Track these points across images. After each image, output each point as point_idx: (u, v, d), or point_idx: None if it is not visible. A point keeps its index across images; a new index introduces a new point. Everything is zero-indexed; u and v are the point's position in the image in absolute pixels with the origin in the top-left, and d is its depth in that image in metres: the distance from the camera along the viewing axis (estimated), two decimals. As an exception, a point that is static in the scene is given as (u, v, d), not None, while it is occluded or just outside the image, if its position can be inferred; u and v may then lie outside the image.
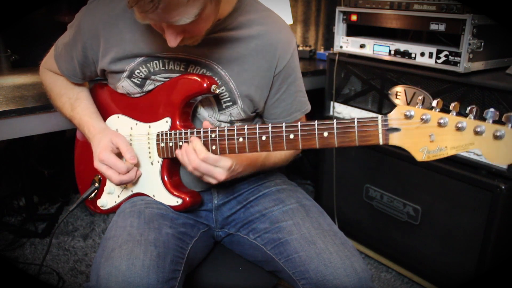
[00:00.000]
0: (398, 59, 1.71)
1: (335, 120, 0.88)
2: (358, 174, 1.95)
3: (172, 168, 1.14)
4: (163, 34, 0.95)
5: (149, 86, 1.13)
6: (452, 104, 0.79)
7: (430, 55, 1.60)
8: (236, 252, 1.24)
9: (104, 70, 1.15)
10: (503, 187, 1.45)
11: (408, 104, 1.71)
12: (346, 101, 1.97)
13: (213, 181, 1.02)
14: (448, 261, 1.68)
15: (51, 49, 1.27)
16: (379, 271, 1.98)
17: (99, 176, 1.26)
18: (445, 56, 1.56)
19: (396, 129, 0.82)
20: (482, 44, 1.51)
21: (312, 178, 2.70)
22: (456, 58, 1.52)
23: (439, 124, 0.78)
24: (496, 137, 0.73)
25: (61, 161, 2.41)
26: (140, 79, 1.12)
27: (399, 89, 1.74)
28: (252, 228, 1.17)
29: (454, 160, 1.60)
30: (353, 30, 1.91)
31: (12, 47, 2.08)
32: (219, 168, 1.00)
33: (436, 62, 1.59)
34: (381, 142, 0.84)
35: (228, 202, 1.22)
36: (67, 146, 1.43)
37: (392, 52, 1.73)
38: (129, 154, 1.11)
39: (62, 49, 1.21)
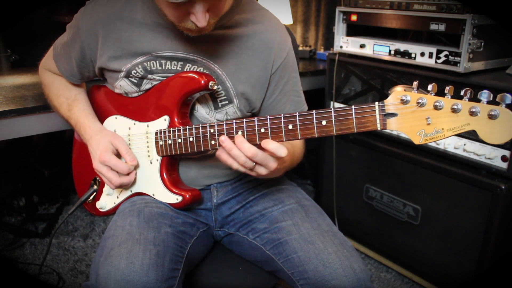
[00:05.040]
0: (398, 59, 1.71)
1: (332, 108, 0.88)
2: (358, 174, 1.95)
3: (171, 166, 1.14)
4: (182, 23, 0.96)
5: (146, 85, 1.13)
6: (447, 88, 0.80)
7: (430, 55, 1.60)
8: (236, 252, 1.24)
9: (102, 69, 1.15)
10: (503, 187, 1.45)
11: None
12: (346, 101, 1.97)
13: (265, 172, 0.96)
14: (448, 261, 1.68)
15: (50, 50, 1.27)
16: (379, 271, 1.98)
17: (98, 178, 1.26)
18: (445, 56, 1.56)
19: (393, 114, 0.83)
20: (482, 44, 1.50)
21: (312, 178, 2.70)
22: (456, 58, 1.52)
23: (435, 107, 0.79)
24: (491, 117, 0.75)
25: (61, 161, 2.41)
26: (137, 78, 1.13)
27: (399, 89, 1.73)
28: (251, 228, 1.17)
29: (454, 160, 1.60)
30: (353, 30, 1.91)
31: (12, 47, 2.09)
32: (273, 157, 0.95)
33: (436, 62, 1.59)
34: (379, 127, 0.85)
35: (227, 201, 1.22)
36: (67, 146, 1.43)
37: (392, 52, 1.73)
38: (129, 156, 1.12)
39: (61, 49, 1.22)
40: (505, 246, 1.57)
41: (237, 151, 0.94)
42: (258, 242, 1.15)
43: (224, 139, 0.95)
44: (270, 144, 0.92)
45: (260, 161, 0.94)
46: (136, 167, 1.15)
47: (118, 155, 1.13)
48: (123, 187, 1.15)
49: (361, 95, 1.91)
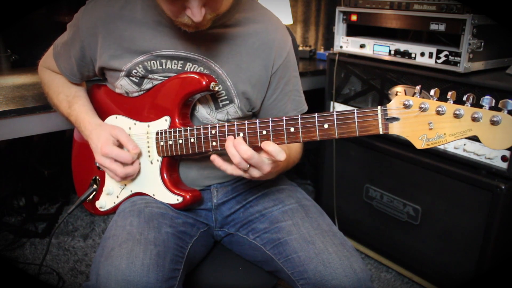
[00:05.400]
0: (398, 59, 1.71)
1: (335, 112, 0.89)
2: (358, 174, 1.95)
3: (171, 166, 1.14)
4: (178, 18, 0.96)
5: (147, 84, 1.13)
6: (450, 93, 0.80)
7: (430, 55, 1.60)
8: (236, 252, 1.24)
9: (103, 68, 1.15)
10: (503, 187, 1.45)
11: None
12: (346, 101, 1.97)
13: (258, 174, 0.97)
14: (448, 261, 1.68)
15: (50, 48, 1.27)
16: (379, 271, 1.98)
17: (98, 177, 1.25)
18: (445, 56, 1.56)
19: (396, 119, 0.84)
20: (482, 44, 1.50)
21: (312, 178, 2.70)
22: (456, 58, 1.52)
23: (438, 112, 0.80)
24: (493, 123, 0.75)
25: (61, 161, 2.41)
26: (138, 78, 1.12)
27: (399, 89, 1.74)
28: (251, 228, 1.17)
29: (454, 160, 1.60)
30: (353, 30, 1.91)
31: (12, 47, 2.09)
32: (268, 160, 0.96)
33: (436, 62, 1.59)
34: (381, 131, 0.85)
35: (227, 201, 1.22)
36: (67, 146, 1.43)
37: (392, 52, 1.73)
38: (131, 145, 1.11)
39: (61, 48, 1.22)
40: (505, 246, 1.57)
41: (233, 150, 0.94)
42: (258, 242, 1.15)
43: (226, 140, 0.96)
44: (270, 146, 0.92)
45: (255, 163, 0.94)
46: (139, 155, 1.15)
47: (120, 146, 1.13)
48: (128, 178, 1.14)
49: (361, 95, 1.91)
